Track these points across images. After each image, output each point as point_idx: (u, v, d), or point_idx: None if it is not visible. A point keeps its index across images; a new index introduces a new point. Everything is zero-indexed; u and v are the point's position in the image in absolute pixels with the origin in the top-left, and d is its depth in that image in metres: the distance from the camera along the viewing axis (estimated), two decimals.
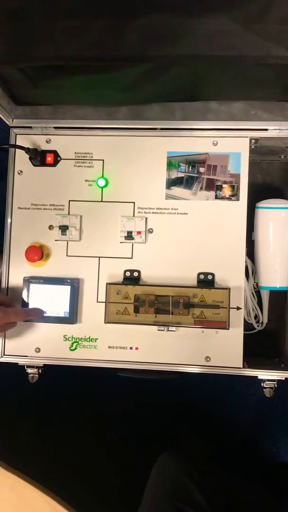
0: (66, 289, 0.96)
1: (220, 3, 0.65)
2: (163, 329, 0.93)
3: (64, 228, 0.96)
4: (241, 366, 0.93)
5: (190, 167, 0.96)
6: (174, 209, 0.96)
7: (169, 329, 0.93)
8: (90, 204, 0.98)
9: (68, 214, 0.98)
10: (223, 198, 0.95)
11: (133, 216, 0.96)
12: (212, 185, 0.95)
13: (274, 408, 1.26)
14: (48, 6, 0.66)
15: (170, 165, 0.97)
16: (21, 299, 0.96)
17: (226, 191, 0.95)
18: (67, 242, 0.98)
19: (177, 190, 0.96)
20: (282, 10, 0.65)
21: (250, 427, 1.26)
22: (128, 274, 0.96)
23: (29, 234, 0.98)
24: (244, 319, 0.96)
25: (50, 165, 0.99)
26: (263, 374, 0.94)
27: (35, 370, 0.98)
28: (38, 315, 0.95)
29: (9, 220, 0.99)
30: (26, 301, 0.96)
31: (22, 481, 0.77)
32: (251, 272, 1.01)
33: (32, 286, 0.96)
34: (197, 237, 0.95)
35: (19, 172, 0.99)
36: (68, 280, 0.96)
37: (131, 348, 0.95)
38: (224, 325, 0.91)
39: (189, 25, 0.67)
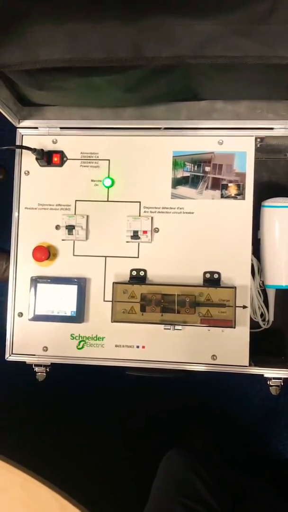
0: (73, 289, 0.96)
1: (225, 4, 0.65)
2: (169, 327, 0.94)
3: (70, 228, 0.97)
4: (247, 364, 0.94)
5: (196, 166, 0.96)
6: (180, 208, 0.97)
7: (176, 328, 0.94)
8: (96, 204, 0.98)
9: (75, 214, 0.98)
10: (228, 197, 0.96)
11: (139, 215, 0.97)
12: (217, 184, 0.96)
13: (281, 405, 1.26)
14: (54, 9, 0.67)
15: (176, 164, 0.97)
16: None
17: (232, 190, 0.95)
18: (74, 242, 0.98)
19: (182, 190, 0.97)
20: (287, 11, 0.65)
21: (257, 425, 1.27)
22: (134, 273, 0.97)
23: (36, 234, 0.99)
24: (250, 318, 0.96)
25: (56, 165, 0.99)
26: (269, 372, 0.94)
27: (43, 368, 0.99)
28: None
29: (16, 220, 1.00)
30: (34, 300, 0.97)
31: (31, 479, 0.78)
32: (257, 270, 1.01)
33: (39, 285, 0.97)
34: (203, 236, 0.96)
35: (26, 172, 1.00)
36: (75, 280, 0.97)
37: (137, 346, 0.96)
38: (230, 323, 0.92)
39: (193, 26, 0.67)
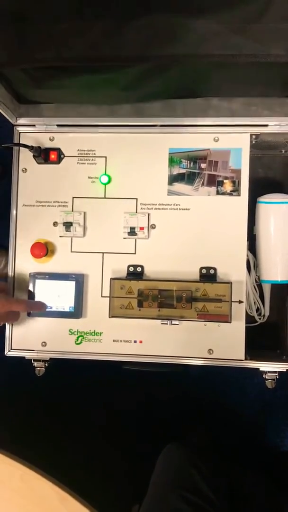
0: (71, 285, 0.97)
1: (219, 2, 0.66)
2: (166, 322, 0.95)
3: (68, 225, 0.98)
4: (243, 358, 0.95)
5: (192, 163, 0.97)
6: (176, 204, 0.97)
7: (172, 323, 0.95)
8: (93, 201, 0.99)
9: (72, 210, 0.99)
10: (224, 193, 0.97)
11: (136, 212, 0.98)
12: (213, 181, 0.97)
13: (278, 399, 1.27)
14: (50, 8, 0.67)
15: (172, 161, 0.98)
16: (28, 293, 0.99)
17: (228, 186, 0.96)
18: (71, 238, 0.99)
19: (179, 186, 0.98)
20: (281, 8, 0.66)
21: (254, 418, 1.28)
22: (131, 269, 0.98)
23: (34, 230, 1.00)
24: (246, 312, 0.97)
25: (53, 163, 1.00)
26: (264, 366, 0.95)
27: (42, 363, 1.00)
28: (41, 308, 0.97)
29: (14, 217, 1.01)
30: (32, 296, 0.98)
31: (30, 471, 0.79)
32: (252, 266, 1.02)
33: (37, 281, 0.98)
34: (199, 232, 0.97)
35: (24, 170, 1.01)
36: (73, 276, 0.98)
37: (135, 341, 0.97)
38: (226, 318, 0.93)
39: (188, 25, 0.68)
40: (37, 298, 0.98)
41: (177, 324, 0.95)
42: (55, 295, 0.98)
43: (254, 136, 0.97)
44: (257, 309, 1.04)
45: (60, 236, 0.99)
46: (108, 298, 0.96)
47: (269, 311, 1.05)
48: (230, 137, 0.97)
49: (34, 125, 1.01)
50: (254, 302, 1.03)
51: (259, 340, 1.03)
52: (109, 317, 0.96)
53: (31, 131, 1.01)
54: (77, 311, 0.97)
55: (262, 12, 0.66)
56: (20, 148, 1.00)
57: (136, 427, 1.28)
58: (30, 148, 0.97)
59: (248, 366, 0.95)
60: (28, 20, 0.69)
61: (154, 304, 0.94)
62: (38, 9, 0.68)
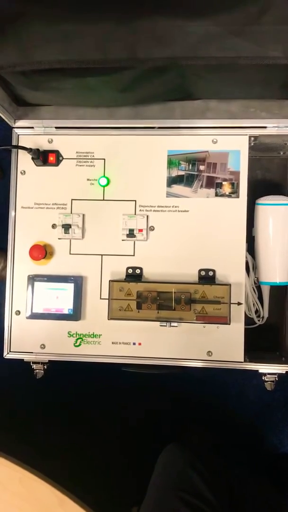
0: (69, 287, 0.97)
1: (218, 5, 0.66)
2: (165, 324, 0.95)
3: (67, 227, 0.98)
4: (242, 360, 0.95)
5: (190, 165, 0.97)
6: (175, 206, 0.98)
7: (171, 325, 0.95)
8: (92, 203, 0.99)
9: (71, 213, 0.99)
10: (223, 195, 0.97)
11: (135, 214, 0.98)
12: (212, 183, 0.97)
13: (276, 400, 1.27)
14: (49, 10, 0.67)
15: (171, 163, 0.98)
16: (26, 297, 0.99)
17: (226, 188, 0.96)
18: (70, 241, 0.99)
19: (177, 188, 0.98)
20: (279, 11, 0.66)
21: (253, 419, 1.28)
22: (130, 271, 0.98)
23: (33, 233, 1.00)
24: (245, 314, 0.97)
25: (52, 165, 1.00)
26: (264, 368, 0.95)
27: (41, 366, 1.00)
28: None
29: (12, 220, 1.01)
30: (31, 298, 0.98)
31: (30, 474, 0.79)
32: (251, 267, 1.02)
33: (36, 284, 0.98)
34: (198, 234, 0.97)
35: (22, 172, 1.01)
36: (72, 278, 0.98)
37: (134, 343, 0.97)
38: (225, 320, 0.93)
39: (186, 27, 0.68)
40: (36, 300, 0.98)
41: (176, 326, 0.95)
42: (54, 297, 0.98)
43: (252, 138, 0.97)
44: (256, 311, 1.04)
45: (58, 238, 0.99)
46: (107, 300, 0.96)
47: (268, 312, 1.05)
48: (228, 139, 0.97)
49: (32, 128, 1.01)
50: (253, 304, 1.03)
51: (258, 342, 1.03)
52: (108, 319, 0.96)
53: (29, 133, 1.01)
54: (76, 313, 0.97)
55: (260, 14, 0.66)
56: (19, 150, 1.00)
57: (135, 429, 1.28)
58: (29, 150, 0.97)
59: (247, 368, 0.95)
60: (26, 22, 0.69)
61: (153, 306, 0.94)
62: (38, 11, 0.68)
